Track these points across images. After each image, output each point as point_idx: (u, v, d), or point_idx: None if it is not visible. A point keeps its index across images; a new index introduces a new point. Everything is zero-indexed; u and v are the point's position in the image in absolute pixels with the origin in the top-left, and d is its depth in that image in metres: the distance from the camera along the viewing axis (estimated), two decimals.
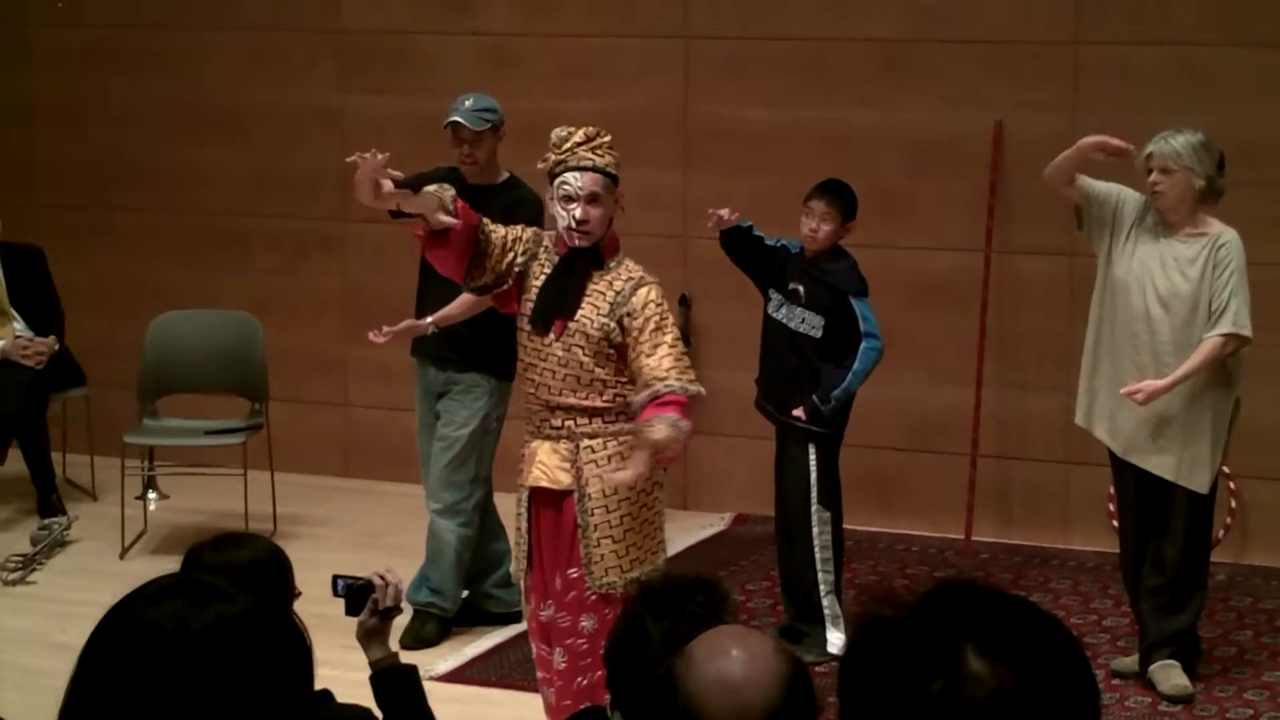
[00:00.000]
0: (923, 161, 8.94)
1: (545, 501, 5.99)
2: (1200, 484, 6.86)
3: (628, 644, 3.64)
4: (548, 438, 5.96)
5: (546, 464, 5.95)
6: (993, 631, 1.92)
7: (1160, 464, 6.88)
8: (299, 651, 2.32)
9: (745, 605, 7.82)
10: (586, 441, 5.90)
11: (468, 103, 7.33)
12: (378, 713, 4.14)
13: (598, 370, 5.86)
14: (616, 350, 5.87)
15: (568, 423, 5.91)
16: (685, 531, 8.84)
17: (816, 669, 6.62)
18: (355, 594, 4.29)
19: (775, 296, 7.39)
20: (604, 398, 5.88)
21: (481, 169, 7.35)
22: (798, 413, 7.26)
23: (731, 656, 2.59)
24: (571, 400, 5.88)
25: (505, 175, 7.47)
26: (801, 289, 7.32)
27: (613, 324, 5.84)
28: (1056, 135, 8.69)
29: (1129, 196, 6.97)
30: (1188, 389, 6.79)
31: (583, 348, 5.86)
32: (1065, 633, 1.99)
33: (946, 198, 8.96)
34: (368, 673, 4.28)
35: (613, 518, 5.89)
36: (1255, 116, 8.36)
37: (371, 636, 4.28)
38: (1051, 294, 8.72)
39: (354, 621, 4.31)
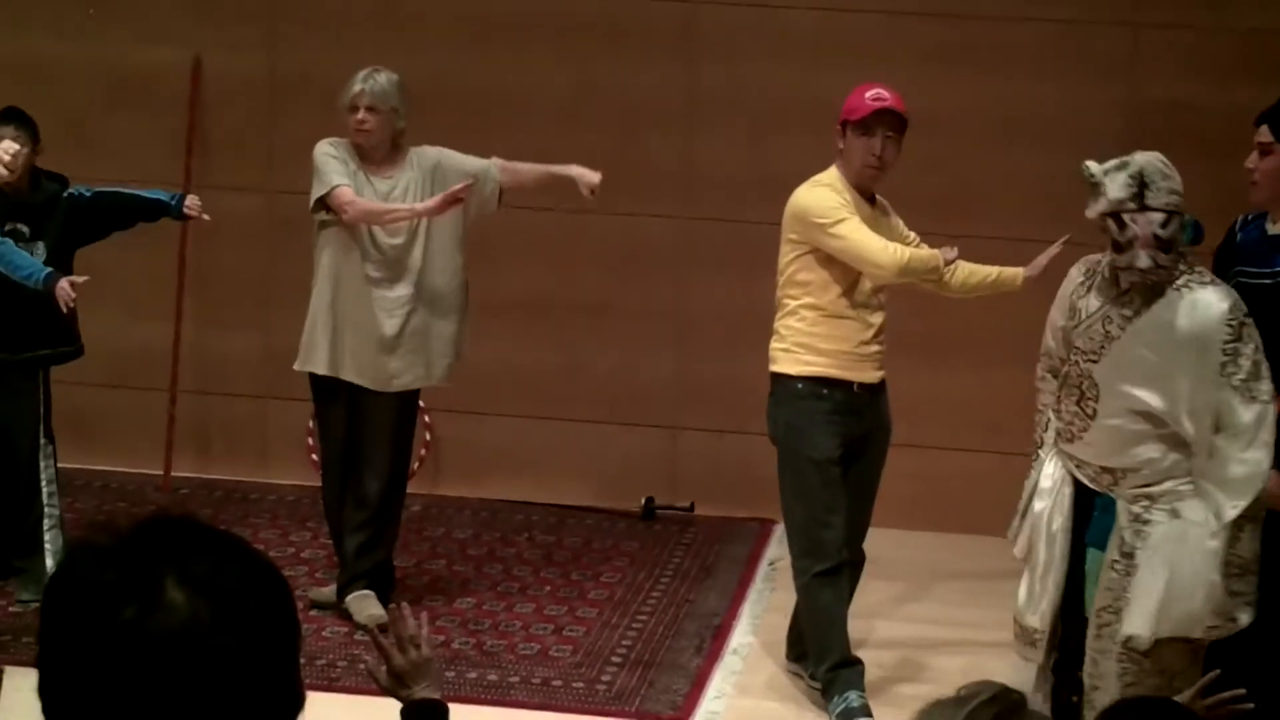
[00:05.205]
0: (121, 96, 8.81)
1: None
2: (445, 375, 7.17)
3: None
4: None
5: None
6: (195, 564, 1.94)
7: (413, 380, 7.10)
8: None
9: None
10: None
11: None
12: None
13: None
14: None
15: None
16: None
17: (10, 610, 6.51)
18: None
19: None
20: None
21: None
22: None
23: None
24: None
25: None
26: (26, 228, 6.97)
27: None
28: (254, 73, 8.76)
29: None
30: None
31: None
32: (272, 571, 2.02)
33: (147, 133, 8.86)
34: None
35: None
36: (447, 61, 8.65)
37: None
38: (250, 230, 8.76)
39: None
